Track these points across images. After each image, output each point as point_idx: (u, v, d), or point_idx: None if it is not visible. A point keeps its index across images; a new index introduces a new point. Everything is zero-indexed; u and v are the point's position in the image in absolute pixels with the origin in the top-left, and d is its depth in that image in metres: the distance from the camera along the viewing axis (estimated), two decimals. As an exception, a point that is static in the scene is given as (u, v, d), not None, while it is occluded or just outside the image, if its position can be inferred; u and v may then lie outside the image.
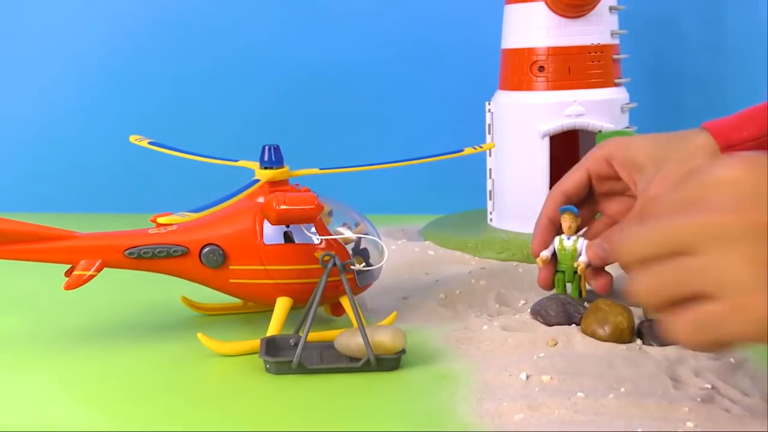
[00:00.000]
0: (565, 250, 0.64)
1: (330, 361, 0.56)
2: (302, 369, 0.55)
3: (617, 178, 0.65)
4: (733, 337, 0.38)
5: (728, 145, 0.58)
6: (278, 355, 0.56)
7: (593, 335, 0.58)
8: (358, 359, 0.55)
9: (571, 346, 0.57)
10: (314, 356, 0.57)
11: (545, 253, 0.65)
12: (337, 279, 0.58)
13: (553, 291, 0.66)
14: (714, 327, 0.38)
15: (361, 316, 0.56)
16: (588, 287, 0.65)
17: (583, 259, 0.63)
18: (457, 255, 0.84)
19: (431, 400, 0.50)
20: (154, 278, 0.62)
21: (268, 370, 0.55)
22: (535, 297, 0.65)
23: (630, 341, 0.57)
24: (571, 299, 0.62)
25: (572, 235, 0.64)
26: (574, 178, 0.66)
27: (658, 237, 0.39)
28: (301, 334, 0.56)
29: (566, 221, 0.64)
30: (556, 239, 0.65)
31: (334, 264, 0.58)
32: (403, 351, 0.55)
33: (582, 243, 0.64)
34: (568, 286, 0.65)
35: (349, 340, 0.55)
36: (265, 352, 0.56)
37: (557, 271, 0.65)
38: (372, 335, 0.55)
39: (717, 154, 0.58)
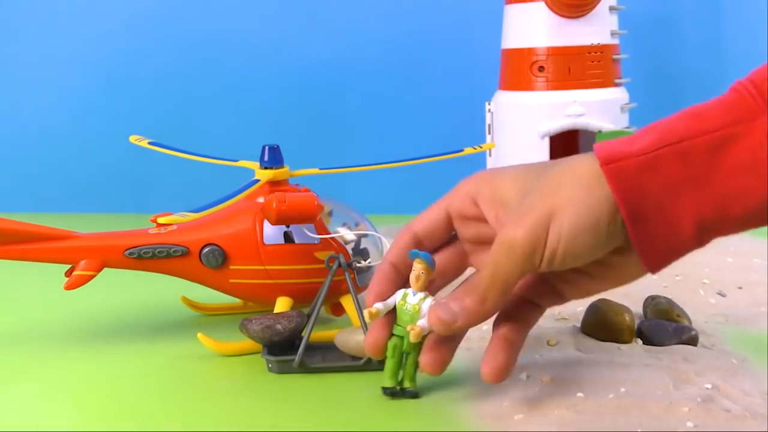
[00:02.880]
0: (406, 308, 0.48)
1: (331, 360, 0.56)
2: (304, 368, 0.55)
3: (484, 220, 0.49)
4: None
5: (610, 160, 0.43)
6: (280, 355, 0.56)
7: (592, 335, 0.58)
8: (359, 358, 0.55)
9: (571, 347, 0.57)
10: (316, 355, 0.57)
11: (378, 306, 0.48)
12: (337, 279, 0.59)
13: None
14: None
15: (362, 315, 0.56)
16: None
17: (421, 323, 0.47)
18: (457, 255, 0.84)
19: (431, 400, 0.50)
20: (154, 278, 0.62)
21: (270, 370, 0.55)
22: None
23: (630, 341, 0.57)
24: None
25: (420, 290, 0.48)
26: (428, 216, 0.50)
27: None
28: (303, 335, 0.56)
29: (416, 270, 0.48)
30: (400, 292, 0.49)
31: (339, 265, 0.58)
32: None
33: (428, 302, 0.48)
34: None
35: (348, 338, 0.56)
36: (267, 351, 0.56)
37: (393, 335, 0.49)
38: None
39: (596, 177, 0.43)
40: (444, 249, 0.51)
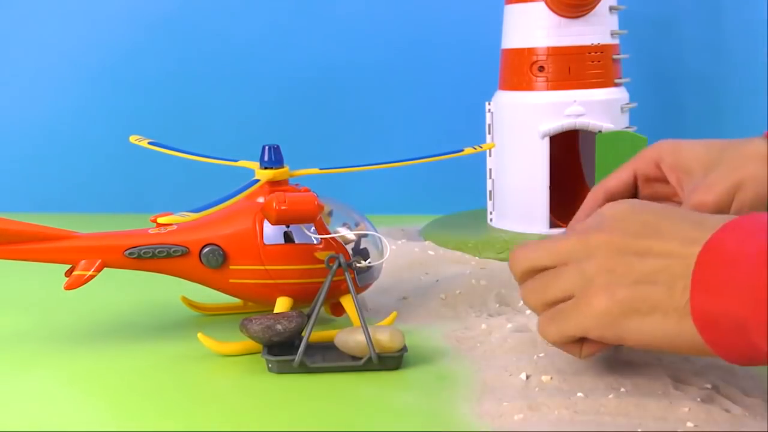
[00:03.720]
0: None
1: (332, 360, 0.56)
2: (304, 368, 0.55)
3: (665, 181, 0.61)
4: (576, 328, 0.46)
5: None
6: (280, 355, 0.56)
7: None
8: (359, 358, 0.55)
9: (571, 346, 0.57)
10: (316, 355, 0.57)
11: None
12: (337, 279, 0.59)
13: None
14: (562, 318, 0.47)
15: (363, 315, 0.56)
16: None
17: None
18: (457, 255, 0.84)
19: (431, 400, 0.50)
20: (154, 278, 0.62)
21: (270, 370, 0.55)
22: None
23: None
24: None
25: None
26: (620, 176, 0.63)
27: (539, 252, 0.48)
28: (303, 335, 0.56)
29: None
30: None
31: (339, 265, 0.58)
32: (405, 349, 0.56)
33: None
34: None
35: (348, 338, 0.56)
36: (267, 351, 0.56)
37: None
38: (371, 334, 0.55)
39: None
40: None
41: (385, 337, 0.55)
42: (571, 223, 0.61)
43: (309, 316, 0.57)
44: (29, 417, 0.50)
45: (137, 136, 0.74)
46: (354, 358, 0.56)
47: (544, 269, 0.48)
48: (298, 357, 0.54)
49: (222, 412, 0.50)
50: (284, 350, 0.56)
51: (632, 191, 0.63)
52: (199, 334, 0.59)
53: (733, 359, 0.42)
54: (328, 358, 0.57)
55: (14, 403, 0.52)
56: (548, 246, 0.48)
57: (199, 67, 1.10)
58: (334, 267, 0.58)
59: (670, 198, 0.63)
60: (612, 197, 0.62)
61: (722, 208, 0.55)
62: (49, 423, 0.49)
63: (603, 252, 0.45)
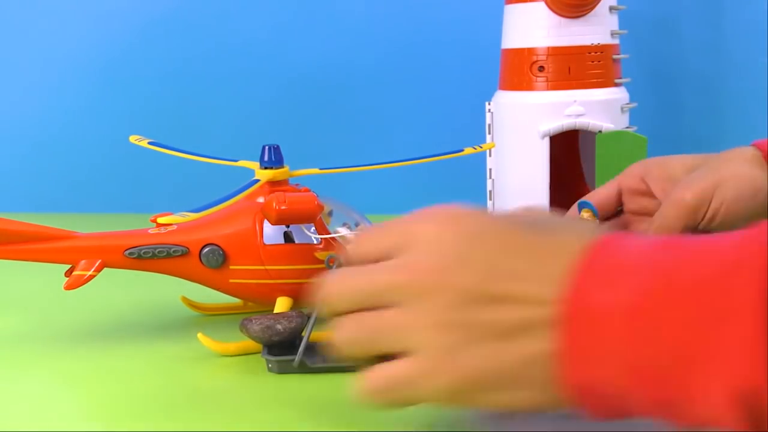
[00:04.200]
0: None
1: (332, 360, 0.56)
2: (304, 368, 0.55)
3: (650, 195, 0.62)
4: (420, 399, 0.39)
5: None
6: (280, 355, 0.56)
7: None
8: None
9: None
10: (316, 355, 0.57)
11: None
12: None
13: None
14: (402, 388, 0.39)
15: None
16: None
17: None
18: (457, 255, 0.84)
19: (431, 400, 0.50)
20: (154, 278, 0.62)
21: (270, 370, 0.55)
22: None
23: None
24: None
25: None
26: (603, 190, 0.63)
27: (361, 287, 0.40)
28: (303, 335, 0.56)
29: (583, 217, 0.61)
30: None
31: (340, 265, 0.57)
32: None
33: None
34: None
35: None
36: (267, 351, 0.56)
37: None
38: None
39: (760, 163, 0.56)
40: (611, 219, 0.62)
41: None
42: None
43: (309, 316, 0.57)
44: (29, 417, 0.50)
45: (137, 136, 0.74)
46: None
47: (364, 307, 0.40)
48: (298, 357, 0.54)
49: (222, 412, 0.50)
50: (284, 350, 0.56)
51: (615, 205, 0.63)
52: (199, 334, 0.59)
53: (612, 419, 0.36)
54: (328, 358, 0.57)
55: (14, 403, 0.52)
56: (370, 283, 0.39)
57: (199, 67, 1.10)
58: (335, 267, 0.57)
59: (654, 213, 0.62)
60: (598, 211, 0.62)
61: (701, 205, 0.55)
62: (49, 423, 0.49)
63: (444, 301, 0.37)
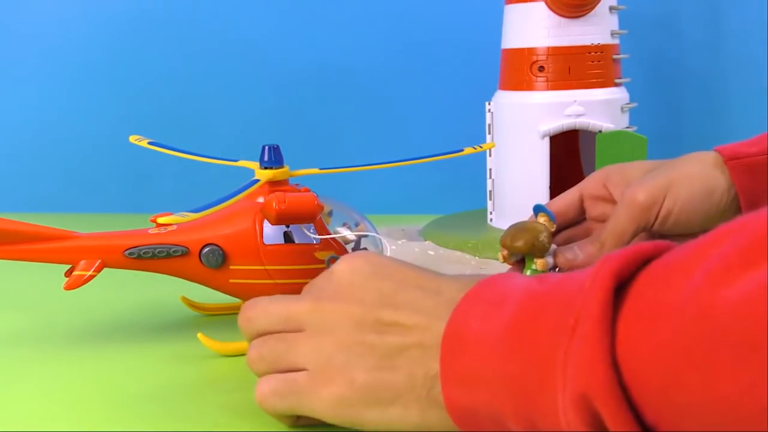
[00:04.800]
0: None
1: None
2: None
3: (612, 201, 0.60)
4: (311, 409, 0.41)
5: (734, 157, 0.54)
6: None
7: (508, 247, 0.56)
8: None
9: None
10: None
11: (513, 258, 0.58)
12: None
13: None
14: (294, 395, 0.42)
15: None
16: None
17: (548, 259, 0.57)
18: (457, 255, 0.84)
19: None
20: (154, 278, 0.62)
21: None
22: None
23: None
24: None
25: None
26: (565, 197, 0.62)
27: (273, 312, 0.44)
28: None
29: (539, 222, 0.58)
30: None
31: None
32: None
33: (551, 249, 0.57)
34: None
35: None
36: None
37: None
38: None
39: (718, 164, 0.54)
40: (574, 226, 0.61)
41: None
42: None
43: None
44: (29, 417, 0.50)
45: (137, 136, 0.74)
46: None
47: (275, 331, 0.44)
48: None
49: (222, 412, 0.50)
50: None
51: (577, 212, 0.61)
52: (199, 334, 0.59)
53: None
54: None
55: (14, 403, 0.52)
56: (281, 309, 0.44)
57: (199, 67, 1.10)
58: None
59: None
60: (557, 219, 0.60)
61: (653, 205, 0.53)
62: (48, 423, 0.49)
63: (340, 325, 0.41)
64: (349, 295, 0.42)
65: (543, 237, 0.55)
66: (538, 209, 0.58)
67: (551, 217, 0.57)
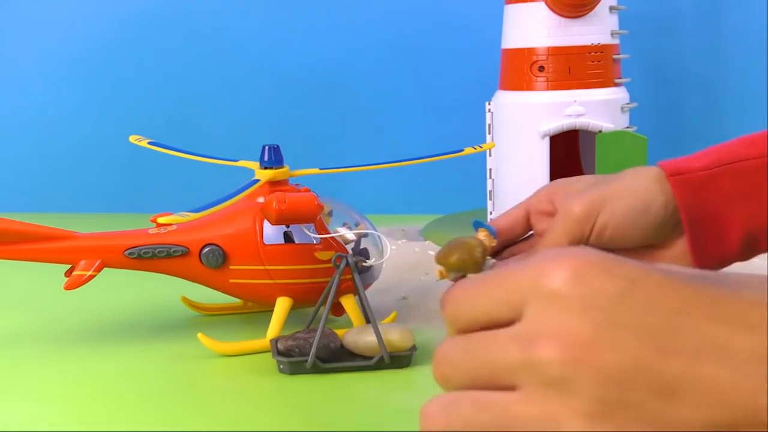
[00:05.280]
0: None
1: (342, 360, 0.56)
2: (316, 369, 0.54)
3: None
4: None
5: (676, 173, 0.51)
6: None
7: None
8: (369, 357, 0.55)
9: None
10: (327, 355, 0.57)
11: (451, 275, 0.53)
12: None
13: None
14: (490, 415, 0.28)
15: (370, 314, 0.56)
16: None
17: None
18: (457, 255, 0.84)
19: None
20: (154, 278, 0.62)
21: (281, 371, 0.55)
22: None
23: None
24: None
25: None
26: (510, 214, 0.59)
27: (471, 366, 0.29)
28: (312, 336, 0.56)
29: (479, 238, 0.54)
30: None
31: (347, 264, 0.57)
32: (414, 348, 0.56)
33: (491, 262, 0.55)
34: None
35: (357, 338, 0.56)
36: (277, 353, 0.55)
37: None
38: (381, 334, 0.55)
39: (659, 179, 0.52)
40: (520, 242, 0.58)
41: (395, 336, 0.55)
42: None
43: (314, 317, 0.57)
44: (28, 417, 0.50)
45: (137, 136, 0.74)
46: (364, 357, 0.55)
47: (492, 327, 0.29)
48: (311, 358, 0.54)
49: (222, 412, 0.50)
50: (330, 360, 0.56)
51: (523, 229, 0.58)
52: (199, 334, 0.59)
53: None
54: (338, 359, 0.56)
55: (14, 403, 0.52)
56: (484, 357, 0.29)
57: (199, 67, 1.10)
58: (342, 266, 0.57)
59: None
60: (501, 236, 0.56)
61: (588, 218, 0.51)
62: (48, 423, 0.49)
63: (583, 390, 0.26)
64: (594, 338, 0.26)
65: (477, 252, 0.53)
66: (477, 225, 0.55)
67: (492, 232, 0.55)
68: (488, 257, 0.53)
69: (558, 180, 0.59)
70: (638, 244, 0.51)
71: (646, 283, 0.27)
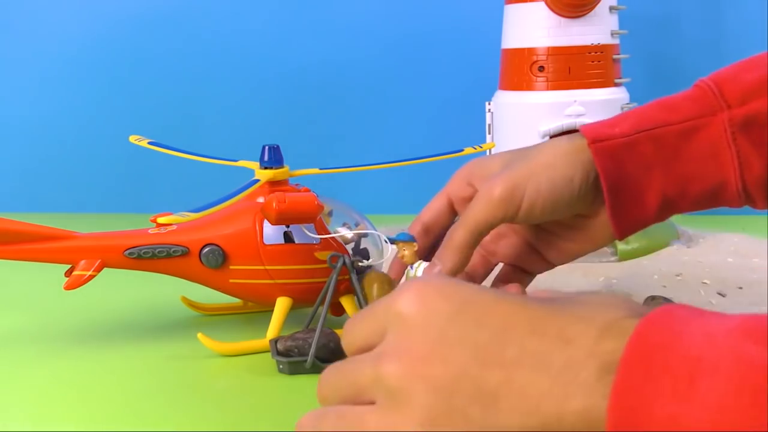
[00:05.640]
0: (410, 276, 0.55)
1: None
2: (316, 369, 0.54)
3: None
4: None
5: (597, 140, 0.51)
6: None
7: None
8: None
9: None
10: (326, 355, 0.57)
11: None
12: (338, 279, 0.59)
13: None
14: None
15: None
16: None
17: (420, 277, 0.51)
18: (457, 255, 0.84)
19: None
20: (154, 278, 0.62)
21: (281, 371, 0.55)
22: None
23: None
24: None
25: (413, 262, 0.54)
26: (433, 206, 0.57)
27: (340, 385, 0.34)
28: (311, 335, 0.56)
29: (401, 251, 0.54)
30: (407, 270, 0.55)
31: (344, 264, 0.57)
32: None
33: (423, 266, 0.54)
34: None
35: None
36: (277, 353, 0.55)
37: None
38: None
39: (578, 150, 0.51)
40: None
41: None
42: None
43: (312, 317, 0.57)
44: (29, 417, 0.50)
45: (137, 136, 0.74)
46: None
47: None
48: (310, 358, 0.54)
49: (222, 412, 0.50)
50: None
51: (449, 219, 0.56)
52: (199, 334, 0.59)
53: None
54: (338, 358, 0.56)
55: (14, 403, 0.52)
56: (348, 379, 0.33)
57: (198, 67, 1.10)
58: (338, 266, 0.57)
59: None
60: (428, 231, 0.56)
61: (512, 198, 0.50)
62: (48, 423, 0.49)
63: (418, 398, 0.30)
64: (427, 353, 0.30)
65: (386, 287, 0.54)
66: (393, 240, 0.55)
67: (409, 239, 0.54)
68: (419, 260, 0.54)
69: (472, 161, 0.57)
70: (567, 215, 0.52)
71: (476, 303, 0.31)
